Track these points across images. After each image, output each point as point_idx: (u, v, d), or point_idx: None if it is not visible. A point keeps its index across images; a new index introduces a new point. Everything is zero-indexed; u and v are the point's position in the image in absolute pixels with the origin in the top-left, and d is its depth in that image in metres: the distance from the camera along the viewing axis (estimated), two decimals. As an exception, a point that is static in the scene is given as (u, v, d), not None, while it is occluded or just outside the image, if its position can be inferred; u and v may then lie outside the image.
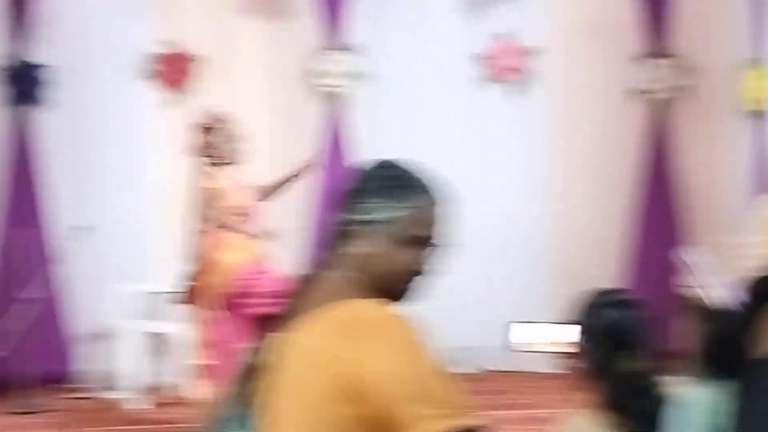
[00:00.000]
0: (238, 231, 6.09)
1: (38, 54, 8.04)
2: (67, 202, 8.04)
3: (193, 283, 6.13)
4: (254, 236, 6.16)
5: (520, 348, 3.22)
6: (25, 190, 8.03)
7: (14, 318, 7.15)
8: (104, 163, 8.15)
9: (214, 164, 6.15)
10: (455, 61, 8.48)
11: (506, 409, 6.66)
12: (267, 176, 8.06)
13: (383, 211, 1.97)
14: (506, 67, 8.48)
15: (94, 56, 8.13)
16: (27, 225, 7.81)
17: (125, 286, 7.72)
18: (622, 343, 2.56)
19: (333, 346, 1.80)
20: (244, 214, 6.15)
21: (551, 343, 2.99)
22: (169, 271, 7.47)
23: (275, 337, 1.94)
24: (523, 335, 3.16)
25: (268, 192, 6.41)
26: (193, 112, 8.11)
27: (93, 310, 7.87)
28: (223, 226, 6.08)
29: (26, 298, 7.16)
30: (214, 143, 6.15)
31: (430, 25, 8.46)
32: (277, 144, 8.26)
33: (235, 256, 6.03)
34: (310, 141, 8.28)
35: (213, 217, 6.09)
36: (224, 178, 6.14)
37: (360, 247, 1.96)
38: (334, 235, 2.00)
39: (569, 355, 2.76)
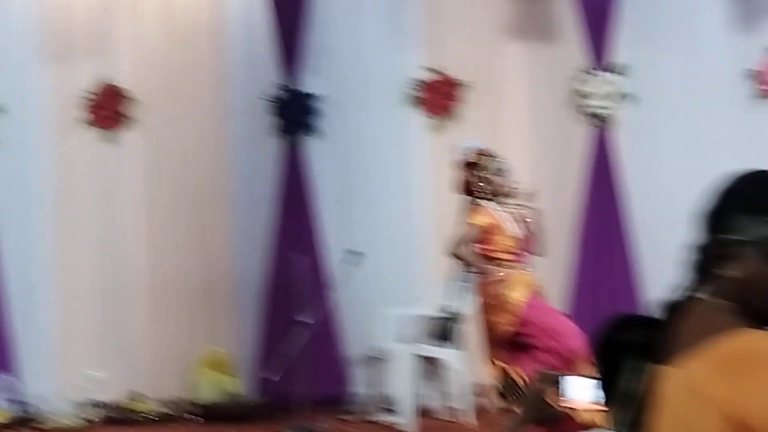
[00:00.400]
0: (511, 266, 6.34)
1: (307, 83, 8.54)
2: (337, 227, 8.53)
3: (475, 319, 6.49)
4: (528, 270, 6.42)
5: None
6: (297, 216, 8.50)
7: (290, 341, 7.53)
8: (372, 189, 8.58)
9: (480, 199, 6.41)
10: (726, 78, 8.44)
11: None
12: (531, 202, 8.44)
13: (755, 229, 1.83)
14: None
15: (361, 85, 8.59)
16: (300, 250, 8.24)
17: (397, 309, 8.11)
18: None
19: (719, 383, 1.70)
20: (516, 248, 6.38)
21: None
22: (437, 295, 7.92)
23: (651, 369, 1.88)
24: None
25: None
26: (458, 138, 8.58)
27: (365, 333, 8.30)
28: (494, 262, 6.36)
29: (301, 321, 7.52)
30: (478, 179, 6.40)
31: (698, 41, 8.47)
32: (541, 168, 8.49)
33: (514, 292, 6.29)
34: (575, 165, 8.51)
35: (483, 253, 6.36)
36: (492, 213, 6.39)
37: (731, 271, 1.84)
38: (697, 260, 1.90)
39: None
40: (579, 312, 8.39)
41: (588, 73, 8.50)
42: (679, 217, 8.20)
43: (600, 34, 8.47)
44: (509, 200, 6.47)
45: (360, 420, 8.09)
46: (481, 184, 6.43)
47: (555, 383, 2.54)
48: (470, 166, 6.47)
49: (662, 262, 8.32)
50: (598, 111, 8.48)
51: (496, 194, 6.44)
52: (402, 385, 7.73)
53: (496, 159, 6.51)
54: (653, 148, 8.52)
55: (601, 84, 8.47)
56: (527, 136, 8.67)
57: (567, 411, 2.71)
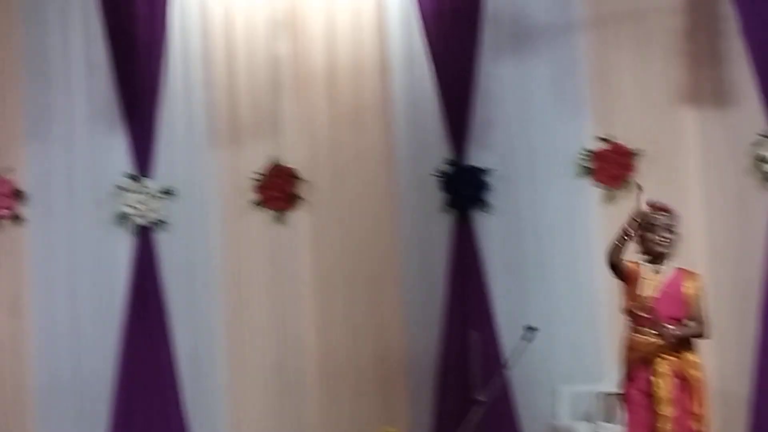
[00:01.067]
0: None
1: (476, 158, 8.92)
2: (510, 303, 8.79)
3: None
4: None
5: None
6: (469, 292, 8.80)
7: (466, 421, 7.51)
8: (545, 262, 8.83)
9: (650, 261, 6.40)
10: None
11: None
12: (707, 274, 8.63)
13: None
14: None
15: (529, 157, 8.92)
16: (473, 327, 8.54)
17: (575, 386, 8.32)
18: None
19: None
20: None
21: None
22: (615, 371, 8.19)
23: None
24: None
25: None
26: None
27: (543, 412, 8.53)
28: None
29: (476, 400, 7.50)
30: (648, 238, 6.38)
31: None
32: (720, 238, 8.72)
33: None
34: (757, 235, 8.59)
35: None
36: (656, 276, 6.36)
37: None
38: None
39: None
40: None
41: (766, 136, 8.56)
42: None
43: None
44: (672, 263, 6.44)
45: None
46: (649, 245, 6.40)
47: None
48: (643, 225, 6.42)
49: None
50: (780, 176, 8.47)
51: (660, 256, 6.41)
52: None
53: (668, 217, 6.48)
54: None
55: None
56: (706, 205, 8.83)
57: None
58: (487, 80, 9.00)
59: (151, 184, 9.24)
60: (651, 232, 6.37)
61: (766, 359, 8.53)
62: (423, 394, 8.98)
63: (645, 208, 6.45)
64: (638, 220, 6.36)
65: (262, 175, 9.30)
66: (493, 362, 8.54)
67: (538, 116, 9.02)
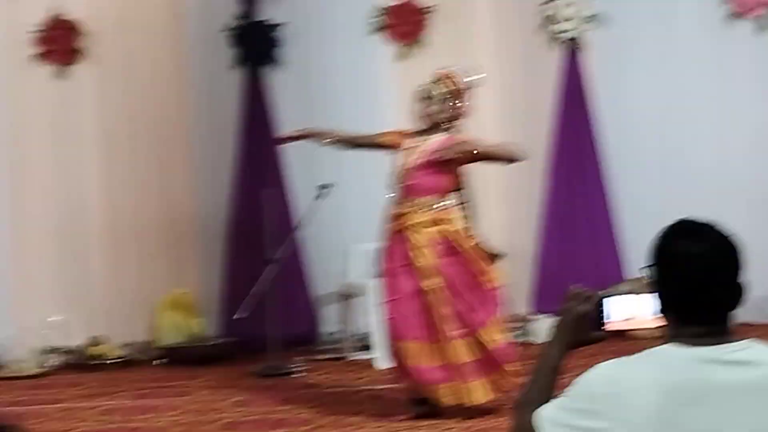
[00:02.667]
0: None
1: (269, 13, 8.92)
2: (303, 161, 8.90)
3: None
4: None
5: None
6: (262, 150, 8.89)
7: (258, 280, 7.93)
8: (339, 120, 8.57)
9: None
10: None
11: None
12: (498, 128, 9.01)
13: None
14: (748, 3, 8.87)
15: (323, 12, 8.98)
16: (265, 185, 8.66)
17: (367, 245, 8.50)
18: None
19: None
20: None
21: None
22: None
23: None
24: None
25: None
26: (426, 65, 9.10)
27: (336, 270, 8.73)
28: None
29: (269, 259, 7.94)
30: (423, 109, 6.45)
31: None
32: (509, 96, 9.06)
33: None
34: (546, 90, 9.00)
35: None
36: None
37: None
38: None
39: None
40: (554, 233, 9.06)
41: None
42: (649, 139, 8.93)
43: None
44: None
45: (333, 358, 8.51)
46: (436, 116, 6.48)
47: (596, 304, 2.63)
48: (425, 99, 6.45)
49: (634, 185, 9.04)
50: (568, 34, 8.98)
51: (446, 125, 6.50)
52: (375, 321, 7.74)
53: (453, 86, 6.47)
54: (624, 70, 9.06)
55: (570, 6, 8.95)
56: (497, 61, 9.06)
57: (614, 332, 2.74)
58: (281, -68, 8.96)
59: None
60: (424, 103, 6.42)
61: (551, 216, 9.08)
62: (214, 254, 9.15)
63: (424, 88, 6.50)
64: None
65: (42, 27, 9.05)
66: (286, 222, 8.76)
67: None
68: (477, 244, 6.36)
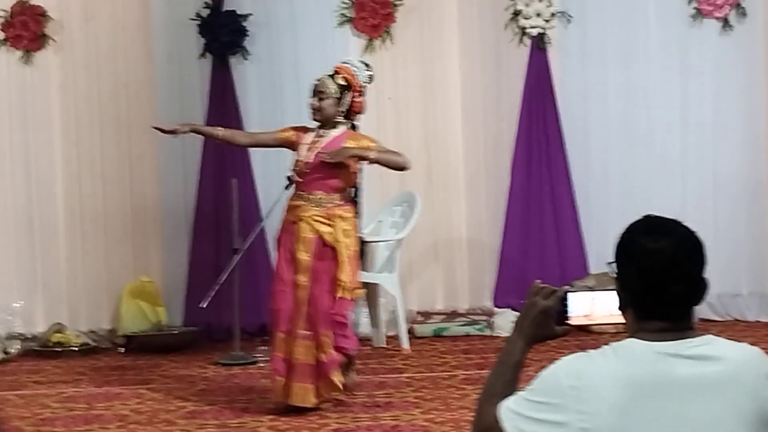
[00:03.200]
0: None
1: (237, 3, 8.91)
2: (267, 151, 8.50)
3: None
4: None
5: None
6: None
7: (221, 269, 7.71)
8: (304, 110, 8.89)
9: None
10: None
11: None
12: (465, 123, 9.08)
13: None
14: (717, 2, 8.94)
15: (290, 3, 9.01)
16: (230, 175, 8.68)
17: None
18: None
19: None
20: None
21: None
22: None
23: None
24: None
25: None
26: (394, 58, 9.18)
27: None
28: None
29: (236, 249, 7.81)
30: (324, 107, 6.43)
31: None
32: (476, 91, 9.15)
33: None
34: (512, 86, 9.06)
35: None
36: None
37: None
38: None
39: None
40: (518, 227, 9.11)
41: None
42: (614, 135, 9.03)
43: None
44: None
45: None
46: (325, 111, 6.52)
47: (560, 299, 2.70)
48: (318, 93, 6.49)
49: (598, 181, 9.13)
50: (536, 30, 9.03)
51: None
52: None
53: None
54: (588, 66, 9.15)
55: (538, 2, 8.99)
56: (461, 58, 9.20)
57: (574, 327, 2.75)
58: None
59: None
60: (317, 97, 6.45)
61: (516, 210, 9.14)
62: (178, 243, 9.16)
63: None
64: None
65: (8, 12, 9.06)
66: (252, 212, 8.82)
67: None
68: (355, 249, 6.41)
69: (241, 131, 6.84)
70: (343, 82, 6.37)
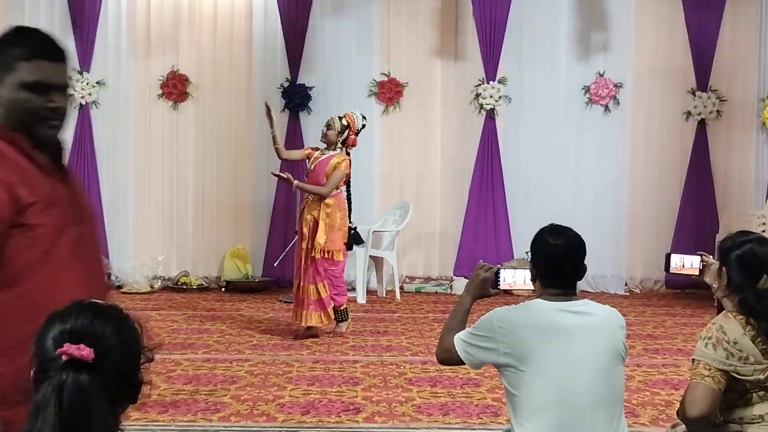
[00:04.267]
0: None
1: (305, 78, 8.94)
2: None
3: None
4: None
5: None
6: (296, 164, 8.56)
7: (289, 244, 8.09)
8: None
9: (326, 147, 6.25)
10: (568, 89, 9.04)
11: None
12: (439, 166, 9.01)
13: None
14: (601, 95, 9.03)
15: (338, 80, 9.02)
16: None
17: (357, 226, 8.62)
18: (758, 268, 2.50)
19: None
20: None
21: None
22: (381, 218, 8.54)
23: None
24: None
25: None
26: (401, 120, 9.15)
27: None
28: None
29: (297, 230, 7.94)
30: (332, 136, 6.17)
31: (552, 63, 8.98)
32: (450, 145, 9.12)
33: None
34: (473, 140, 8.99)
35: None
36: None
37: None
38: None
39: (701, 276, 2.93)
40: (471, 225, 9.01)
41: (482, 81, 9.02)
42: (534, 175, 9.01)
43: (491, 56, 8.99)
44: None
45: None
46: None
47: (495, 273, 2.72)
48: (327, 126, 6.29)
49: (523, 201, 9.10)
50: (488, 106, 9.01)
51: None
52: (358, 274, 8.04)
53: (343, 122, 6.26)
54: (520, 133, 9.10)
55: (491, 89, 9.01)
56: (441, 123, 9.16)
57: (502, 291, 2.75)
58: (315, 29, 9.01)
59: (89, 76, 8.85)
60: (326, 129, 6.19)
61: (471, 214, 9.08)
62: (261, 224, 9.14)
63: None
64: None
65: (164, 77, 9.10)
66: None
67: (345, 55, 9.09)
68: (332, 223, 6.05)
69: (288, 150, 6.66)
70: (345, 123, 6.19)
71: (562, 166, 9.13)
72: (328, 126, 6.14)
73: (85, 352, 1.36)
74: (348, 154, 6.25)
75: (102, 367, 1.38)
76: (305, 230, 6.08)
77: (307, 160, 6.21)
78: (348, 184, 6.44)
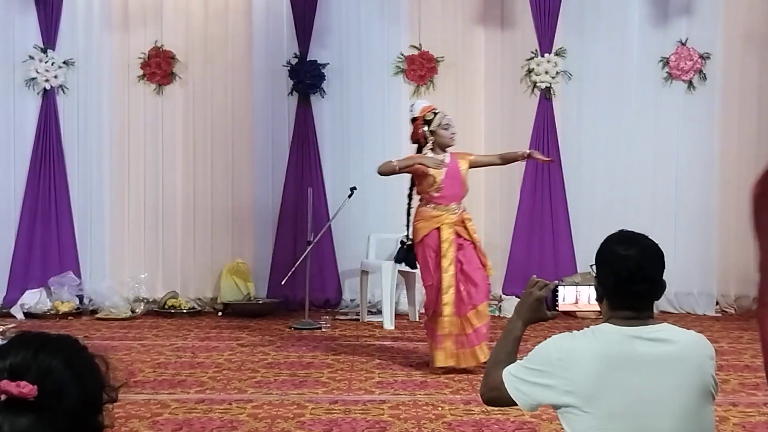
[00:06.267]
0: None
1: (317, 54, 9.02)
2: (336, 169, 9.08)
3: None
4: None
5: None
6: (305, 158, 9.01)
7: (300, 257, 8.13)
8: (364, 139, 9.07)
9: (431, 149, 6.37)
10: (642, 63, 9.03)
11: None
12: (489, 152, 8.98)
13: None
14: (684, 68, 9.01)
15: (357, 57, 9.10)
16: (306, 185, 8.79)
17: (383, 234, 8.63)
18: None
19: None
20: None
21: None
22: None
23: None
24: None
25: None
26: (435, 102, 9.15)
27: (358, 252, 8.82)
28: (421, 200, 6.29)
29: (309, 241, 8.08)
30: (441, 135, 6.28)
31: (622, 33, 9.02)
32: (496, 130, 9.12)
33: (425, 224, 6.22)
34: (524, 127, 9.02)
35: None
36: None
37: None
38: None
39: None
40: (524, 234, 9.05)
41: (536, 54, 9.04)
42: (599, 168, 8.97)
43: (546, 24, 9.00)
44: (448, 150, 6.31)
45: (351, 319, 8.61)
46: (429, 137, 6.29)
47: (552, 290, 2.83)
48: (421, 121, 6.31)
49: (587, 202, 9.09)
50: (544, 84, 9.03)
51: (440, 145, 6.31)
52: (384, 293, 8.09)
53: (442, 114, 6.32)
54: (582, 117, 9.11)
55: (547, 63, 9.03)
56: (485, 103, 9.19)
57: (562, 312, 2.75)
58: (328, -4, 9.08)
59: (55, 55, 8.99)
60: (446, 130, 6.30)
61: (523, 221, 9.16)
62: (266, 234, 9.25)
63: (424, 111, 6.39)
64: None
65: (146, 54, 9.20)
66: (322, 213, 8.90)
67: (365, 26, 9.17)
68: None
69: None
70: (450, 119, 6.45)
71: (635, 158, 9.11)
72: (449, 125, 6.31)
73: (26, 389, 1.35)
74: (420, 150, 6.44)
75: (49, 408, 1.37)
76: (448, 252, 6.14)
77: (427, 171, 6.20)
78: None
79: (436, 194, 6.19)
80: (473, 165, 6.44)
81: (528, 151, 6.62)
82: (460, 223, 6.20)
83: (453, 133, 6.29)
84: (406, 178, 6.54)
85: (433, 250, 6.17)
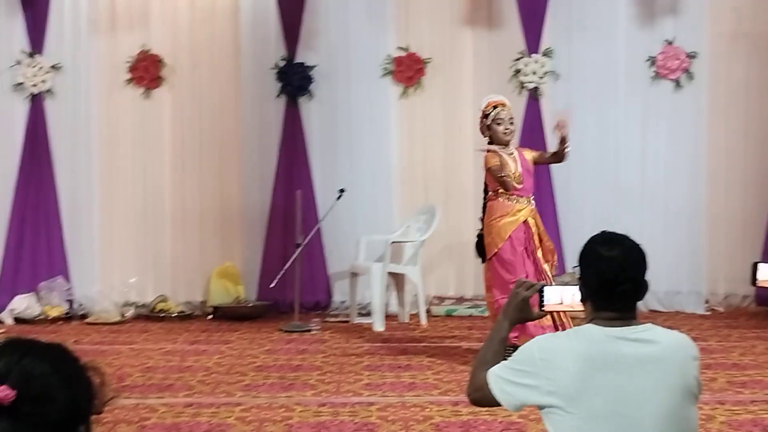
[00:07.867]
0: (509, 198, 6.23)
1: (305, 56, 9.00)
2: (325, 171, 9.05)
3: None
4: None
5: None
6: (294, 161, 8.99)
7: (289, 259, 8.06)
8: (353, 141, 9.05)
9: (489, 143, 6.32)
10: (629, 62, 9.00)
11: None
12: (477, 152, 8.97)
13: None
14: (671, 67, 8.96)
15: (345, 59, 9.08)
16: (295, 187, 8.73)
17: (372, 236, 8.64)
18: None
19: None
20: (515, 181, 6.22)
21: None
22: (407, 225, 8.56)
23: None
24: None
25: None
26: (423, 104, 9.17)
27: (347, 254, 8.77)
28: (496, 194, 6.27)
29: (298, 243, 8.07)
30: (498, 131, 6.27)
31: (609, 32, 8.97)
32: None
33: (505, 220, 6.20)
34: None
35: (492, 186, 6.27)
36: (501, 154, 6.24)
37: None
38: None
39: None
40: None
41: (523, 55, 9.02)
42: (588, 168, 8.95)
43: (533, 25, 8.98)
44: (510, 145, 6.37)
45: (341, 321, 8.58)
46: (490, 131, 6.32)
47: (537, 291, 2.73)
48: (483, 114, 6.37)
49: (575, 202, 9.07)
50: (531, 85, 9.02)
51: (496, 141, 6.34)
52: (374, 295, 8.09)
53: (499, 109, 6.31)
54: (571, 114, 9.04)
55: (534, 63, 9.01)
56: (473, 105, 8.97)
57: (547, 312, 2.74)
58: (315, -1, 9.10)
59: (43, 60, 8.97)
60: (499, 125, 6.30)
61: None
62: (255, 237, 9.22)
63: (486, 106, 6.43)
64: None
65: (133, 58, 9.22)
66: (311, 215, 8.87)
67: (353, 28, 9.15)
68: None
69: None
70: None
71: (623, 157, 9.10)
72: (510, 119, 6.33)
73: (2, 393, 1.34)
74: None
75: (30, 414, 1.35)
76: (538, 245, 6.26)
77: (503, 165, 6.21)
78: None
79: (518, 186, 6.23)
80: (535, 162, 6.44)
81: (555, 131, 6.38)
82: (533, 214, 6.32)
83: (506, 129, 6.28)
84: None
85: (521, 244, 6.17)
